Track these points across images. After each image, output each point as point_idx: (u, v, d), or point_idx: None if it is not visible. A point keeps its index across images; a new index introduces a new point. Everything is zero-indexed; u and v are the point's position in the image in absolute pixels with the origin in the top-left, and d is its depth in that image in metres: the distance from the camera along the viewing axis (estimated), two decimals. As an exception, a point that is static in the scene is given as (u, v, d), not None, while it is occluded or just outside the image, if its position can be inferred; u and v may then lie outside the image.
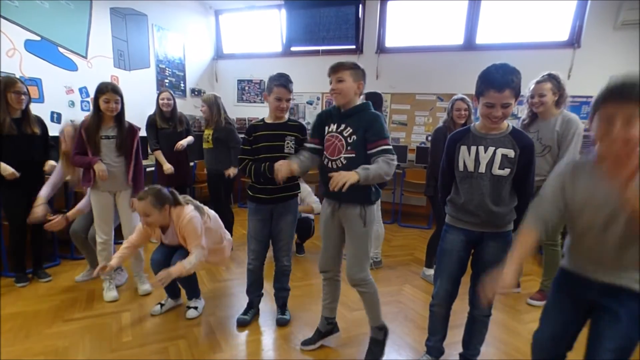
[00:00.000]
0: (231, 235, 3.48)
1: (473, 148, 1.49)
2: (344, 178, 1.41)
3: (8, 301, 2.35)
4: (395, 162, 1.57)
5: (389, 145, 1.57)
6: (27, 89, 2.46)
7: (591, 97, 4.15)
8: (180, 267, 1.92)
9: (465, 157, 1.51)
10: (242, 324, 2.15)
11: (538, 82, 2.33)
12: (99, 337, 2.01)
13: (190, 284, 2.27)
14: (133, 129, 2.43)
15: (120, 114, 2.34)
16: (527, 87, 2.38)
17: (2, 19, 3.06)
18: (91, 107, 2.50)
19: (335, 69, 1.65)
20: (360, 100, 1.71)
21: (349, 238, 1.73)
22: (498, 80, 1.35)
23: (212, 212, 2.29)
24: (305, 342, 1.97)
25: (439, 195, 1.75)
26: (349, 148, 1.62)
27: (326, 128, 1.72)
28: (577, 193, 1.14)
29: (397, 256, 3.33)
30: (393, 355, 1.93)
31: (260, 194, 2.01)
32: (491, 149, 1.46)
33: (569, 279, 1.25)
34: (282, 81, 1.89)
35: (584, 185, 1.13)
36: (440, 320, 1.73)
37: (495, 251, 1.54)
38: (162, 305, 2.30)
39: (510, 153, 1.44)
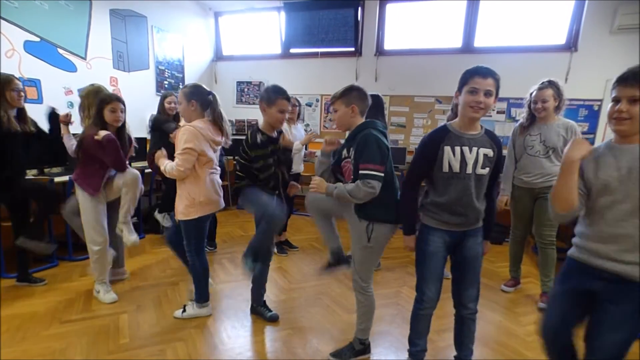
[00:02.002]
0: (213, 239, 3.50)
1: (457, 149, 1.49)
2: (317, 186, 1.69)
3: (5, 303, 2.34)
4: (372, 190, 1.55)
5: (371, 170, 1.56)
6: (24, 86, 2.44)
7: (588, 100, 4.20)
8: (162, 161, 2.05)
9: (450, 157, 1.49)
10: (277, 318, 2.22)
11: (540, 89, 2.40)
12: (96, 339, 2.00)
13: (195, 282, 2.22)
14: (131, 140, 2.46)
15: (124, 124, 2.35)
16: (529, 92, 2.47)
17: (1, 20, 3.06)
18: (87, 118, 2.43)
19: (330, 104, 1.79)
20: (361, 119, 1.72)
21: (354, 249, 1.77)
22: (483, 69, 1.43)
23: (216, 178, 2.18)
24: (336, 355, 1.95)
25: (403, 192, 1.68)
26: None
27: (344, 153, 1.74)
28: (600, 170, 1.23)
29: (396, 258, 3.34)
30: (391, 357, 1.94)
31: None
32: (474, 149, 1.49)
33: (575, 268, 1.31)
34: (287, 94, 1.95)
35: (606, 163, 1.22)
36: (429, 321, 1.72)
37: (476, 246, 1.61)
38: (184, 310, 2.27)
39: (490, 152, 1.51)
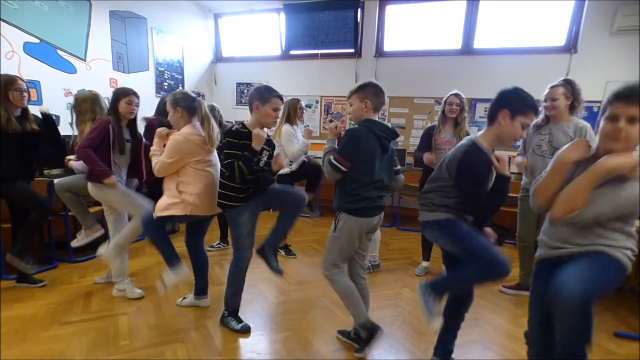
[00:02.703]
0: (226, 240, 3.50)
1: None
2: (330, 129, 1.87)
3: (5, 304, 2.33)
4: (327, 173, 1.78)
5: (335, 160, 1.74)
6: (27, 86, 2.44)
7: (588, 101, 4.18)
8: (155, 147, 2.09)
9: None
10: (248, 330, 2.12)
11: (552, 87, 2.38)
12: (95, 340, 2.00)
13: (197, 273, 2.33)
14: (139, 133, 2.53)
15: (135, 117, 2.43)
16: (544, 91, 2.44)
17: (1, 21, 3.06)
18: (82, 123, 2.52)
19: (347, 97, 1.88)
20: (374, 115, 1.82)
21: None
22: (536, 106, 1.48)
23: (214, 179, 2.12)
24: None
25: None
26: None
27: None
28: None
29: (396, 259, 3.33)
30: (391, 358, 1.93)
31: (254, 196, 1.99)
32: None
33: (542, 266, 1.37)
34: (278, 93, 1.96)
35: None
36: None
37: None
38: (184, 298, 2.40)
39: None
